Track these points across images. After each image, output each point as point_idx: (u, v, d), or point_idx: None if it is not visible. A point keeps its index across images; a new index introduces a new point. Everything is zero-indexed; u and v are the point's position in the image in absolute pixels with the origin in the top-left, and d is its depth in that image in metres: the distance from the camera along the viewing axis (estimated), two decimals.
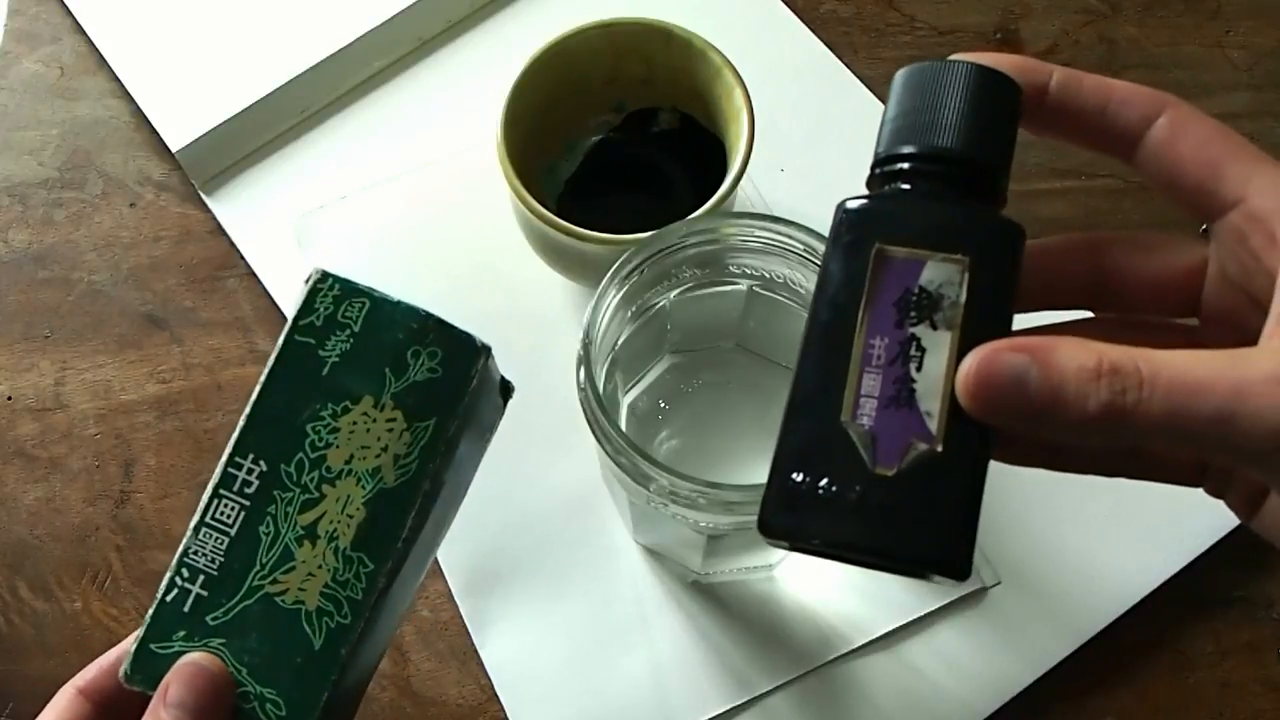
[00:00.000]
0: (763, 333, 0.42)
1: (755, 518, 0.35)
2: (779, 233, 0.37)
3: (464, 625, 0.43)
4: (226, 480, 0.28)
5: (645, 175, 0.48)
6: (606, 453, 0.34)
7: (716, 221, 0.38)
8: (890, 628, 0.42)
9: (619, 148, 0.47)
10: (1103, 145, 0.26)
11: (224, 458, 0.28)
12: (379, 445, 0.28)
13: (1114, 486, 0.44)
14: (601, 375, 0.37)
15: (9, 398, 0.47)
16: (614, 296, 0.36)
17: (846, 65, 0.53)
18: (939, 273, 0.24)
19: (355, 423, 0.28)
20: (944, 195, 0.25)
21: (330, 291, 0.30)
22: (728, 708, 0.41)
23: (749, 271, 0.39)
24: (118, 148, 0.52)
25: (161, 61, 0.52)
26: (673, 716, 0.41)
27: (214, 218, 0.50)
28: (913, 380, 0.24)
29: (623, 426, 0.36)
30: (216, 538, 0.28)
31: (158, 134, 0.51)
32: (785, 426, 0.25)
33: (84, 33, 0.54)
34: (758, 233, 0.37)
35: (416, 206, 0.50)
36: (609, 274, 0.36)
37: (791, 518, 0.25)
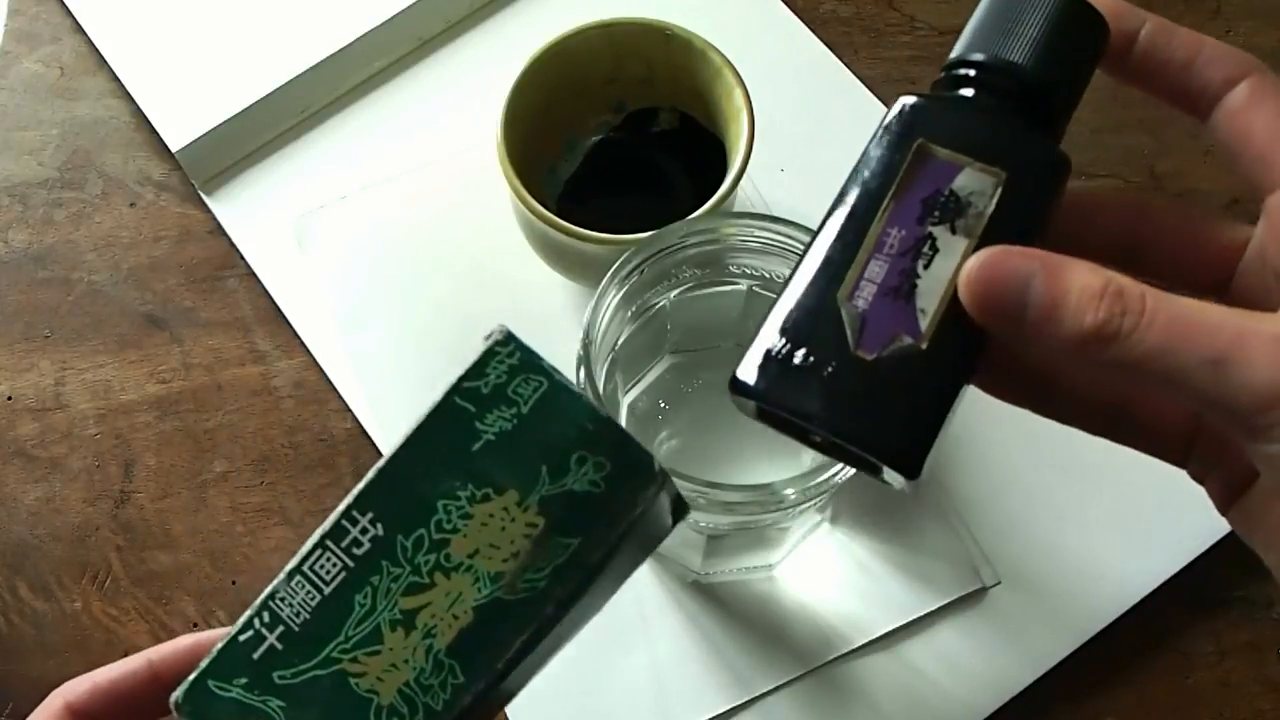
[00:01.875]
0: None
1: (755, 518, 0.35)
2: (779, 233, 0.37)
3: None
4: (338, 533, 0.25)
5: (645, 175, 0.48)
6: None
7: (716, 221, 0.38)
8: (890, 628, 0.42)
9: (619, 148, 0.47)
10: (1181, 101, 0.26)
11: (341, 507, 0.25)
12: (510, 548, 0.25)
13: (1114, 486, 0.44)
14: (601, 375, 0.37)
15: (9, 398, 0.47)
16: (614, 296, 0.36)
17: (846, 65, 0.53)
18: (973, 181, 0.24)
19: (492, 515, 0.25)
20: (1001, 110, 0.25)
21: (508, 359, 0.27)
22: (728, 708, 0.41)
23: (749, 271, 0.39)
24: (118, 148, 0.52)
25: (161, 61, 0.52)
26: (673, 716, 0.41)
27: (214, 218, 0.50)
28: (917, 276, 0.24)
29: (623, 426, 0.36)
30: (309, 591, 0.26)
31: (158, 134, 0.51)
32: (782, 292, 0.25)
33: (84, 33, 0.54)
34: (758, 233, 0.37)
35: (416, 206, 0.50)
36: (609, 274, 0.36)
37: (761, 380, 0.24)
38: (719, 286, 0.40)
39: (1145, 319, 0.22)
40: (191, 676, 0.25)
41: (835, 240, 0.25)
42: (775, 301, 0.25)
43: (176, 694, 0.25)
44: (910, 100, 0.25)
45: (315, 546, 0.26)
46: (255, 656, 0.25)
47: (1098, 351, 0.22)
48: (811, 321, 0.24)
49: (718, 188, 0.40)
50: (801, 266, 0.25)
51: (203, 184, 0.51)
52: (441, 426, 0.25)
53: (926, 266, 0.24)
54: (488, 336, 0.27)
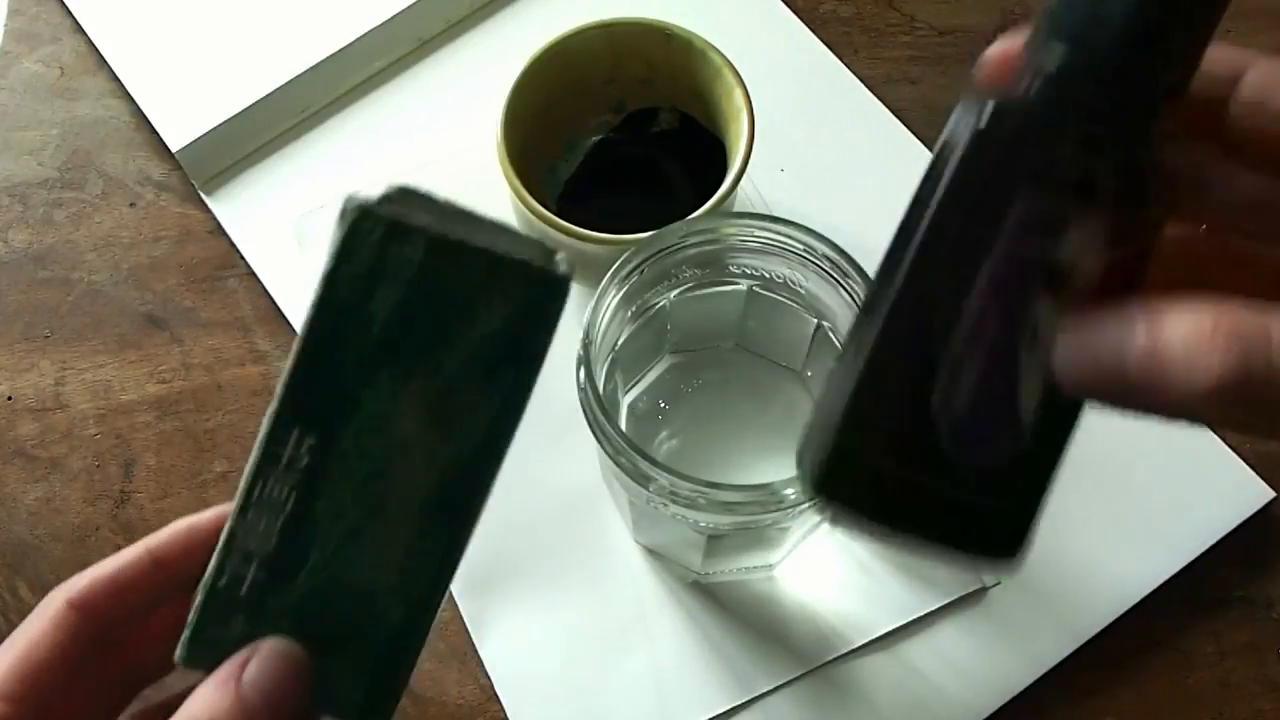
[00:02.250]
0: (763, 333, 0.42)
1: (755, 518, 0.35)
2: (779, 233, 0.37)
3: (464, 625, 0.43)
4: (270, 459, 0.26)
5: (645, 175, 0.48)
6: (606, 453, 0.34)
7: (716, 221, 0.38)
8: (890, 628, 0.42)
9: (619, 148, 0.47)
10: None
11: (262, 435, 0.26)
12: (448, 408, 0.25)
13: (1114, 486, 0.44)
14: (601, 375, 0.37)
15: (9, 398, 0.47)
16: (614, 296, 0.36)
17: (846, 65, 0.53)
18: (1077, 236, 0.20)
19: (419, 385, 0.25)
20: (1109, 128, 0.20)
21: (374, 232, 0.26)
22: (728, 708, 0.41)
23: (749, 271, 0.39)
24: (118, 148, 0.52)
25: (161, 61, 0.52)
26: (673, 716, 0.41)
27: (214, 218, 0.50)
28: (1019, 361, 0.20)
29: (623, 426, 0.36)
30: (267, 519, 0.26)
31: (158, 134, 0.51)
32: (861, 369, 0.21)
33: (84, 33, 0.54)
34: (758, 233, 0.37)
35: None
36: (609, 274, 0.36)
37: (846, 486, 0.21)
38: (719, 286, 0.40)
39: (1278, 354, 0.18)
40: (185, 635, 0.26)
41: (914, 313, 0.20)
42: (842, 373, 0.21)
43: (178, 654, 0.26)
44: (1000, 122, 0.21)
45: (253, 480, 0.25)
46: (242, 594, 0.26)
47: (1232, 404, 0.18)
48: (899, 418, 0.21)
49: (718, 188, 0.40)
50: (875, 340, 0.21)
51: (203, 184, 0.51)
52: (331, 323, 0.25)
53: (1029, 347, 0.20)
54: (342, 215, 0.26)
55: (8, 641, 0.28)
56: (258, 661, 0.26)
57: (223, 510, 0.28)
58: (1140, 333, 0.19)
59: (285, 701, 0.26)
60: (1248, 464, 0.45)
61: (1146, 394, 0.19)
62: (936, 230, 0.21)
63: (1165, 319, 0.19)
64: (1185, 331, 0.18)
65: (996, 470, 0.21)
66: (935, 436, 0.20)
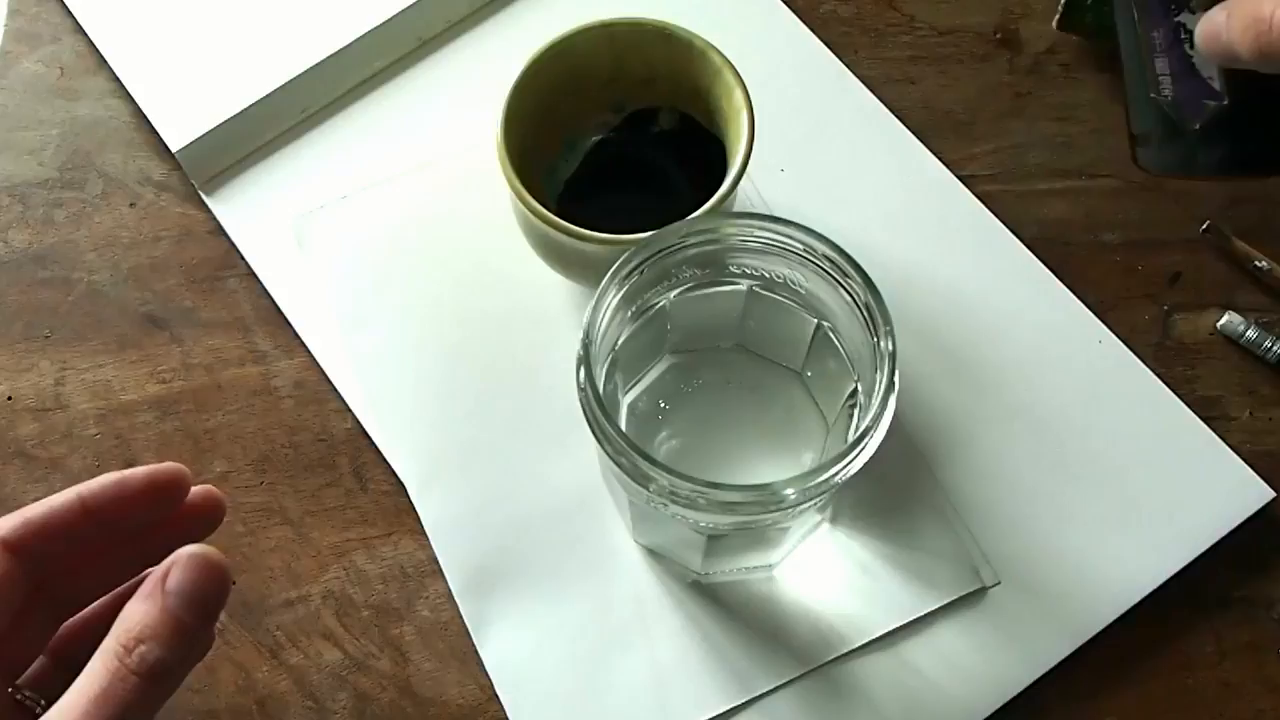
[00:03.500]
0: (763, 333, 0.42)
1: (755, 518, 0.36)
2: (779, 233, 0.37)
3: (464, 625, 0.43)
4: None
5: (645, 175, 0.48)
6: (606, 453, 0.34)
7: (716, 221, 0.38)
8: (890, 628, 0.42)
9: (619, 148, 0.47)
10: None
11: None
12: None
13: (1114, 486, 0.44)
14: (601, 375, 0.37)
15: (9, 398, 0.47)
16: (614, 296, 0.36)
17: (846, 65, 0.53)
18: None
19: None
20: None
21: None
22: (728, 708, 0.41)
23: (749, 271, 0.39)
24: (118, 148, 0.52)
25: (161, 61, 0.52)
26: (673, 716, 0.41)
27: (214, 218, 0.50)
28: (1190, 56, 0.32)
29: (623, 426, 0.36)
30: None
31: (158, 134, 0.51)
32: (1127, 94, 0.35)
33: (84, 33, 0.54)
34: (758, 233, 0.37)
35: (416, 206, 0.50)
36: (609, 274, 0.36)
37: (1152, 161, 0.36)
38: (719, 286, 0.40)
39: None
40: None
41: (1130, 57, 0.34)
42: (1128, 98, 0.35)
43: None
44: None
45: None
46: None
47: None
48: (1149, 118, 0.34)
49: (718, 188, 0.40)
50: (1125, 77, 0.35)
51: (203, 184, 0.51)
52: None
53: (1190, 46, 0.32)
54: None
55: None
56: (178, 570, 0.28)
57: (152, 469, 0.31)
58: (1219, 19, 0.31)
59: (209, 599, 0.28)
60: (1248, 464, 0.45)
61: (1233, 56, 0.31)
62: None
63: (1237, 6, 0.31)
64: (1242, 13, 0.30)
65: (1222, 123, 0.34)
66: (1170, 120, 0.35)
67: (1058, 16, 0.53)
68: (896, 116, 0.51)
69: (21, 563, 0.30)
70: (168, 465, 0.33)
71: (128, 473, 0.32)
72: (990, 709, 0.41)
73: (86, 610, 0.33)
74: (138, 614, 0.28)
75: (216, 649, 0.43)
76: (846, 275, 0.36)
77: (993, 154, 0.51)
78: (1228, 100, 0.33)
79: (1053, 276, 0.48)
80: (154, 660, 0.28)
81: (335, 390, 0.47)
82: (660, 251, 0.37)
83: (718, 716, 0.41)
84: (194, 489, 0.34)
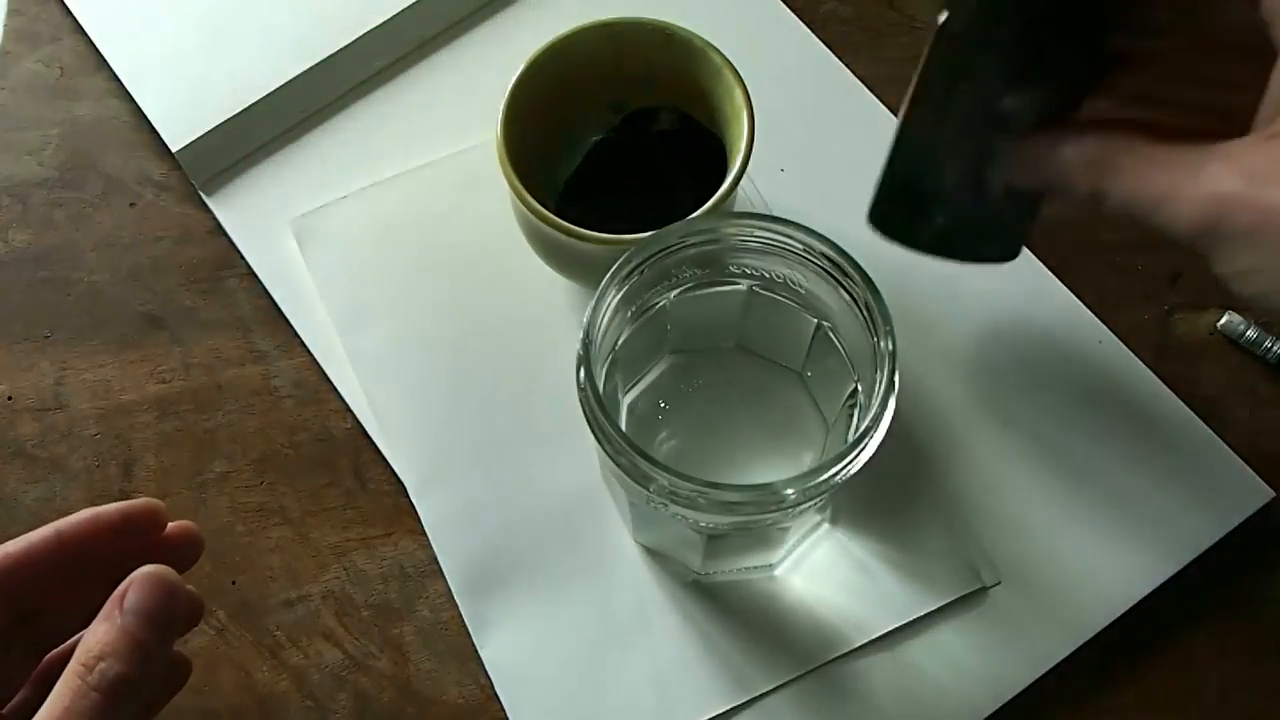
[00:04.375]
0: (763, 333, 0.42)
1: (755, 518, 0.36)
2: (779, 233, 0.37)
3: (464, 625, 0.43)
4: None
5: (645, 175, 0.48)
6: (606, 453, 0.34)
7: (716, 221, 0.38)
8: (890, 628, 0.42)
9: (619, 148, 0.47)
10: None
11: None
12: None
13: (1114, 486, 0.44)
14: (601, 375, 0.37)
15: (9, 398, 0.47)
16: (614, 296, 0.36)
17: (846, 65, 0.53)
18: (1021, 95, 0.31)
19: None
20: None
21: None
22: (728, 708, 0.41)
23: (749, 271, 0.39)
24: (118, 148, 0.52)
25: (161, 61, 0.52)
26: (673, 716, 0.41)
27: (214, 218, 0.50)
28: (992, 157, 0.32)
29: (623, 426, 0.36)
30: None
31: (158, 134, 0.51)
32: (893, 156, 0.35)
33: (84, 33, 0.54)
34: (758, 233, 0.37)
35: (416, 206, 0.50)
36: (609, 274, 0.36)
37: (893, 224, 0.34)
38: (719, 286, 0.40)
39: (1116, 174, 0.29)
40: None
41: (925, 134, 0.34)
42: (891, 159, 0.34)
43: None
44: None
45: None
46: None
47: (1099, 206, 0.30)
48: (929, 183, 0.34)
49: (718, 188, 0.40)
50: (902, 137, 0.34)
51: (203, 184, 0.51)
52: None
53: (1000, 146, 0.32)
54: None
55: None
56: (133, 591, 0.29)
57: (127, 505, 0.33)
58: (1047, 146, 0.31)
59: (164, 616, 0.29)
60: (1248, 464, 0.45)
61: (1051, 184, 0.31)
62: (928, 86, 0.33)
63: (1066, 141, 0.30)
64: (1072, 155, 0.30)
65: (989, 216, 0.34)
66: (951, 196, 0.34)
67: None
68: (896, 117, 0.51)
69: (1, 598, 0.31)
70: (142, 501, 0.34)
71: (102, 509, 0.33)
72: (990, 709, 0.41)
73: (68, 643, 0.34)
74: (98, 634, 0.29)
75: (216, 649, 0.43)
76: (846, 275, 0.36)
77: None
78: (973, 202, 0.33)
79: (1053, 276, 0.48)
80: (113, 676, 0.29)
81: (335, 390, 0.47)
82: (660, 251, 0.37)
83: (718, 716, 0.41)
84: (171, 524, 0.35)
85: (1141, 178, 0.28)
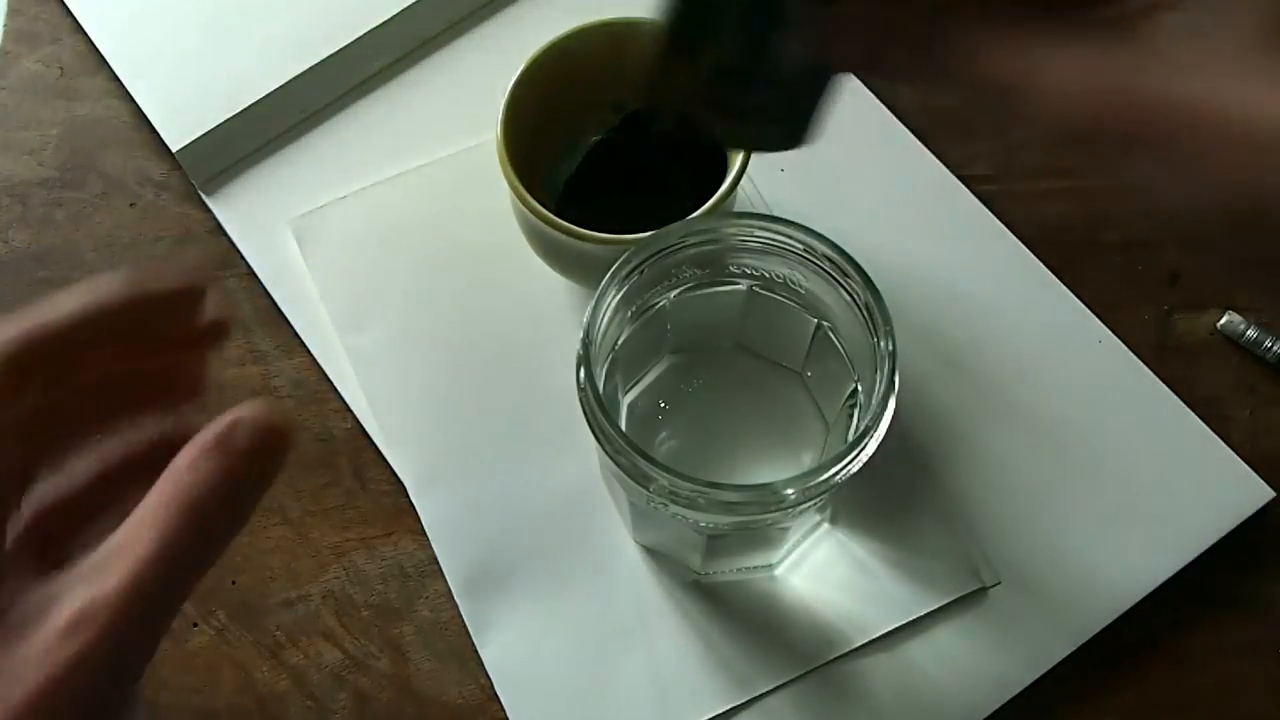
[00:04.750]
0: (763, 333, 0.42)
1: (755, 518, 0.35)
2: (779, 233, 0.37)
3: (464, 625, 0.43)
4: None
5: (645, 175, 0.48)
6: (606, 453, 0.34)
7: (716, 221, 0.38)
8: (890, 628, 0.42)
9: (619, 148, 0.47)
10: None
11: None
12: None
13: (1114, 486, 0.44)
14: (601, 375, 0.37)
15: None
16: (614, 296, 0.36)
17: None
18: None
19: None
20: None
21: None
22: (728, 708, 0.41)
23: (749, 271, 0.39)
24: (118, 148, 0.52)
25: (161, 61, 0.52)
26: (673, 716, 0.41)
27: (214, 218, 0.50)
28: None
29: (623, 426, 0.36)
30: None
31: (158, 134, 0.51)
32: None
33: (84, 33, 0.54)
34: (758, 233, 0.37)
35: (416, 206, 0.50)
36: (609, 274, 0.36)
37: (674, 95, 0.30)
38: (719, 286, 0.40)
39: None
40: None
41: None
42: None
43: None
44: None
45: None
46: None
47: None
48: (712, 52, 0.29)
49: (718, 188, 0.40)
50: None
51: (203, 184, 0.51)
52: None
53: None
54: None
55: None
56: (247, 432, 0.26)
57: (174, 284, 0.28)
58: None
59: (269, 467, 0.26)
60: (1248, 464, 0.45)
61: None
62: None
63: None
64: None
65: (780, 91, 0.31)
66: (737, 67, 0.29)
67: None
68: (896, 116, 0.51)
69: (20, 379, 0.26)
70: (190, 280, 0.29)
71: (147, 282, 0.28)
72: (990, 709, 0.41)
73: (64, 488, 0.29)
74: (200, 465, 0.26)
75: (216, 649, 0.43)
76: (846, 275, 0.36)
77: (993, 154, 0.51)
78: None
79: (1053, 276, 0.48)
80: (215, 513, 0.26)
81: (335, 390, 0.47)
82: (660, 251, 0.37)
83: (717, 716, 0.41)
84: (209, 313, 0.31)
85: (976, 57, 0.24)
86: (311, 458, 0.46)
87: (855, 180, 0.50)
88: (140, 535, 0.25)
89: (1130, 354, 0.47)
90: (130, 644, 0.25)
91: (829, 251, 0.36)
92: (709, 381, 0.43)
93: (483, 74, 0.52)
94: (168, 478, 0.26)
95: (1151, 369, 0.46)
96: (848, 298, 0.36)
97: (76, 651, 0.23)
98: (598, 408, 0.34)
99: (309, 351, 0.47)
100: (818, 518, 0.42)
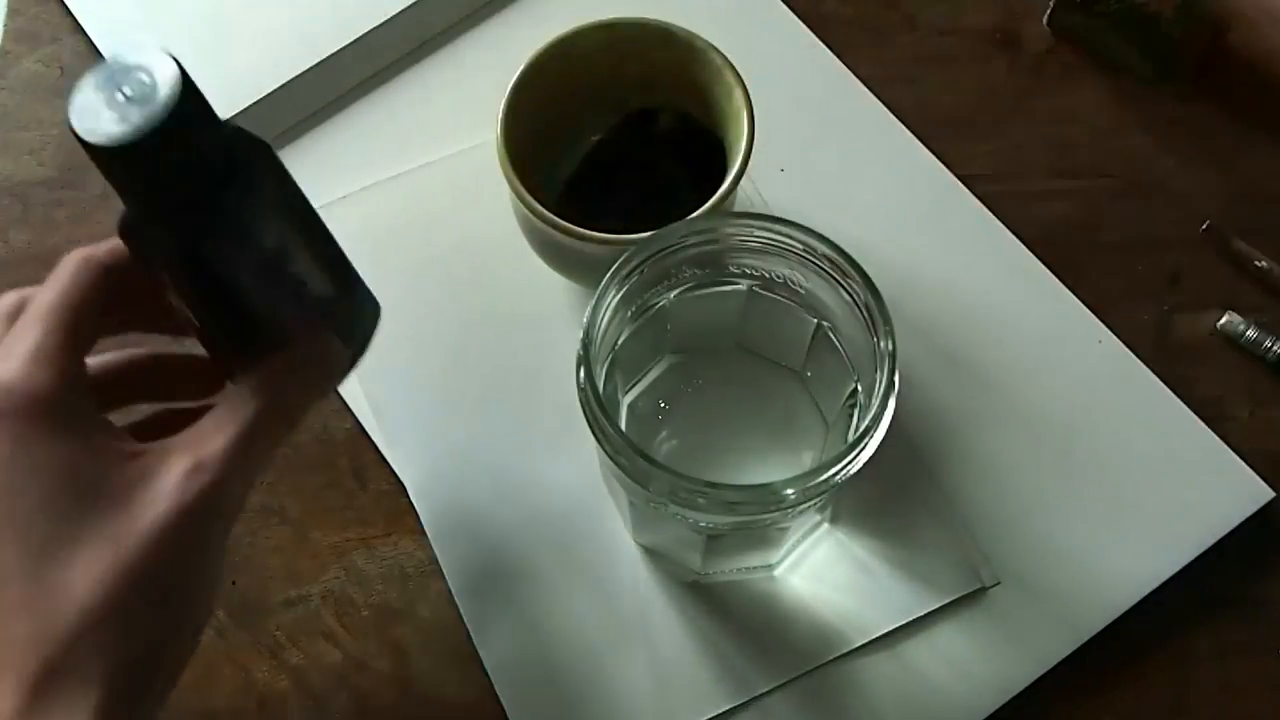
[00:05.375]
0: (763, 333, 0.42)
1: (755, 518, 0.35)
2: (779, 233, 0.37)
3: (464, 625, 0.43)
4: None
5: (645, 175, 0.48)
6: (606, 453, 0.34)
7: (716, 221, 0.38)
8: (890, 628, 0.42)
9: (619, 148, 0.47)
10: None
11: None
12: None
13: (1114, 486, 0.44)
14: (601, 375, 0.37)
15: None
16: (614, 296, 0.36)
17: (846, 65, 0.53)
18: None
19: None
20: None
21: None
22: (728, 708, 0.41)
23: (749, 271, 0.39)
24: None
25: None
26: (673, 716, 0.41)
27: None
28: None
29: (623, 426, 0.36)
30: None
31: None
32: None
33: (84, 33, 0.54)
34: (758, 233, 0.37)
35: (416, 206, 0.50)
36: (609, 274, 0.36)
37: None
38: (719, 286, 0.40)
39: None
40: None
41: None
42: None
43: None
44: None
45: None
46: None
47: None
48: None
49: (718, 188, 0.40)
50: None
51: None
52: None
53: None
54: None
55: (47, 301, 0.34)
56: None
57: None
58: None
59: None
60: (1248, 464, 0.45)
61: None
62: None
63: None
64: None
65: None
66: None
67: (1048, 13, 0.53)
68: (896, 117, 0.51)
69: (107, 278, 0.34)
70: None
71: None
72: (990, 709, 0.41)
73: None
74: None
75: (216, 649, 0.43)
76: (846, 275, 0.36)
77: (993, 154, 0.51)
78: None
79: (1053, 276, 0.48)
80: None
81: (335, 390, 0.47)
82: (660, 251, 0.37)
83: (717, 716, 0.41)
84: None
85: None
86: (312, 458, 0.46)
87: (855, 180, 0.50)
88: (244, 399, 0.32)
89: (1130, 354, 0.47)
90: (231, 493, 0.32)
91: (829, 251, 0.36)
92: (709, 381, 0.43)
93: (483, 74, 0.52)
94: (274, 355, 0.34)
95: (1151, 369, 0.46)
96: (848, 298, 0.36)
97: (199, 489, 0.31)
98: (598, 408, 0.34)
99: None
100: (818, 518, 0.42)
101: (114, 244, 0.34)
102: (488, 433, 0.46)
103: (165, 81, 0.30)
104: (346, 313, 0.38)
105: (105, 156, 0.28)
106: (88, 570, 0.30)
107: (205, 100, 0.31)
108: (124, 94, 0.29)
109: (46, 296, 0.34)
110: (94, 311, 0.34)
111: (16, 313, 0.34)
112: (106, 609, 0.29)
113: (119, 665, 0.30)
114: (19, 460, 0.30)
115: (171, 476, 0.31)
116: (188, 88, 0.30)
